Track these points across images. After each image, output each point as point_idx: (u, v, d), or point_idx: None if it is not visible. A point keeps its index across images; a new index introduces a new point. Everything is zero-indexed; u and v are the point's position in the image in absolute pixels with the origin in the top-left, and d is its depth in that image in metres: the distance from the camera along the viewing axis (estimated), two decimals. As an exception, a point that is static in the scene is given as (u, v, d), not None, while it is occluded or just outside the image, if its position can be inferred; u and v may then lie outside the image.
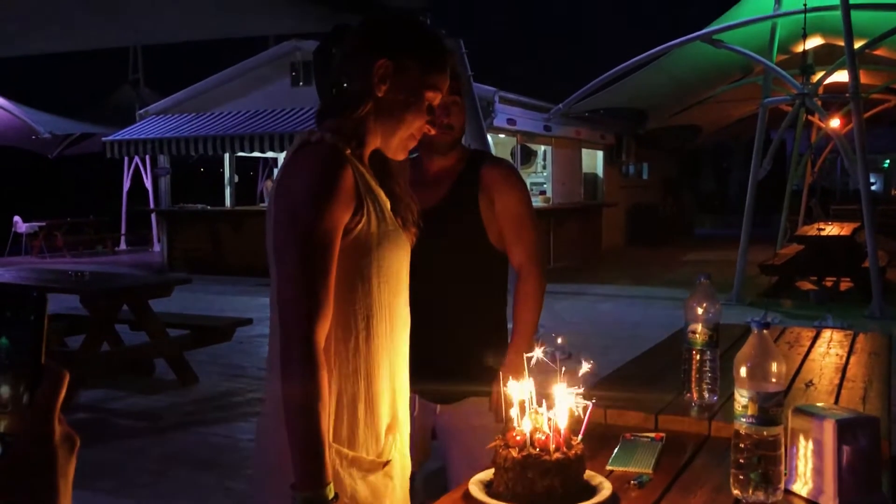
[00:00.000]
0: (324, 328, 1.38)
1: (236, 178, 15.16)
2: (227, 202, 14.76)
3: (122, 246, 18.66)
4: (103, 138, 14.35)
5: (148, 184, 18.10)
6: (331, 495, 1.34)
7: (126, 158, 16.54)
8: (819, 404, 1.60)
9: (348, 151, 1.45)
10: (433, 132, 1.61)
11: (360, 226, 1.45)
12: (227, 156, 14.40)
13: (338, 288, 1.42)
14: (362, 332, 1.48)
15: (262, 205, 16.45)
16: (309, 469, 1.34)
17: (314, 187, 1.40)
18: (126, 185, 18.45)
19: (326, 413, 1.37)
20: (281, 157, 15.74)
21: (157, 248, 17.11)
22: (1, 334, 0.58)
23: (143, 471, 4.25)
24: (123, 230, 18.87)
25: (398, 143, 1.54)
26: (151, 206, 17.51)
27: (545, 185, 15.47)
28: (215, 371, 6.44)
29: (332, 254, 1.40)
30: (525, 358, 1.72)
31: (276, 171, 16.23)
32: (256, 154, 14.30)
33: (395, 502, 1.55)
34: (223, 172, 15.13)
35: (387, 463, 1.52)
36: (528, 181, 14.69)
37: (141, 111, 15.12)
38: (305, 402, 1.34)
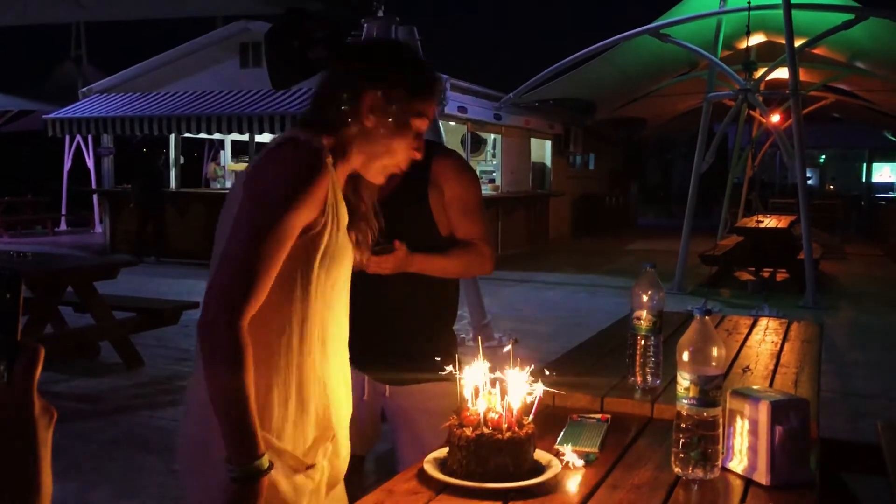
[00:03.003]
0: (247, 319, 1.37)
1: (182, 160, 14.91)
2: (172, 184, 14.52)
3: (62, 227, 18.21)
4: (44, 116, 13.96)
5: (90, 164, 17.67)
6: (265, 465, 1.36)
7: (67, 137, 16.12)
8: (755, 387, 1.69)
9: (329, 160, 1.46)
10: (419, 157, 1.60)
11: (314, 232, 1.45)
12: (172, 137, 14.15)
13: (278, 283, 1.42)
14: (296, 333, 1.48)
15: (207, 188, 16.21)
16: (241, 441, 1.35)
17: (291, 183, 1.40)
18: (67, 164, 17.98)
19: (252, 390, 1.36)
20: (228, 139, 15.52)
21: (98, 229, 16.75)
22: None
23: (88, 453, 4.21)
24: (64, 211, 18.40)
25: (379, 168, 1.55)
26: (93, 186, 17.11)
27: (494, 174, 15.57)
28: (161, 354, 6.37)
29: (282, 251, 1.40)
30: (397, 258, 1.88)
31: (243, 160, 15.98)
32: (203, 136, 14.08)
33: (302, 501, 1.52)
34: (167, 154, 14.86)
35: (311, 466, 1.51)
36: (477, 169, 14.78)
37: (84, 89, 14.74)
38: (231, 382, 1.34)
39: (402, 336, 2.22)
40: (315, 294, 1.49)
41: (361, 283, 2.05)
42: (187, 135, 13.49)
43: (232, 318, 1.34)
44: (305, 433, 1.50)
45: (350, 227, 1.56)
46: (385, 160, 1.54)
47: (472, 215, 2.24)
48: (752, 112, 14.35)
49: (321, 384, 1.53)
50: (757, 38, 12.35)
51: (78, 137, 16.78)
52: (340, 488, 1.68)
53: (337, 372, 1.58)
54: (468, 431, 1.46)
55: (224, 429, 1.35)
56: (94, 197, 17.25)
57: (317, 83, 1.57)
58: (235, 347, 1.34)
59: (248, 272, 1.36)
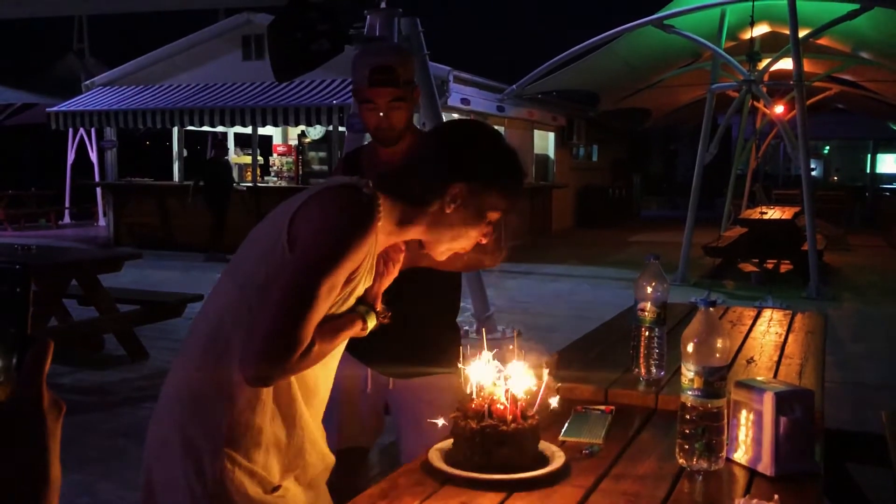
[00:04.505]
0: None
1: (185, 153, 14.91)
2: (176, 177, 14.52)
3: (66, 220, 18.24)
4: (47, 109, 13.97)
5: (93, 157, 17.68)
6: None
7: (71, 130, 16.13)
8: (759, 378, 1.69)
9: (380, 216, 1.43)
10: (485, 242, 1.58)
11: (343, 287, 1.43)
12: (175, 130, 14.15)
13: None
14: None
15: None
16: (349, 319, 1.47)
17: (343, 233, 1.37)
18: (70, 157, 18.00)
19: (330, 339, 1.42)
20: (231, 131, 15.52)
21: (101, 222, 16.77)
22: None
23: (93, 446, 4.23)
24: (67, 204, 18.42)
25: (446, 248, 1.54)
26: (97, 179, 17.12)
27: (497, 166, 15.53)
28: (165, 347, 6.38)
29: (329, 302, 1.38)
30: (412, 253, 1.77)
31: (247, 153, 16.02)
32: (206, 128, 14.07)
33: None
34: (171, 146, 14.86)
35: (277, 487, 1.49)
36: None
37: (87, 82, 14.74)
38: (317, 352, 1.38)
39: (405, 329, 2.22)
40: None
41: None
42: (190, 127, 13.47)
43: (277, 376, 1.38)
44: (274, 463, 1.48)
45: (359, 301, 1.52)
46: (453, 243, 1.53)
47: None
48: (755, 103, 14.27)
49: (297, 401, 1.51)
50: (761, 29, 12.29)
51: (81, 130, 16.79)
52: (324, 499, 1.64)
53: (316, 390, 1.56)
54: (473, 423, 1.46)
55: (336, 336, 1.45)
56: (98, 190, 17.27)
57: (414, 152, 1.55)
58: (292, 374, 1.41)
59: (292, 331, 1.33)
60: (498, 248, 2.27)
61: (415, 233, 1.52)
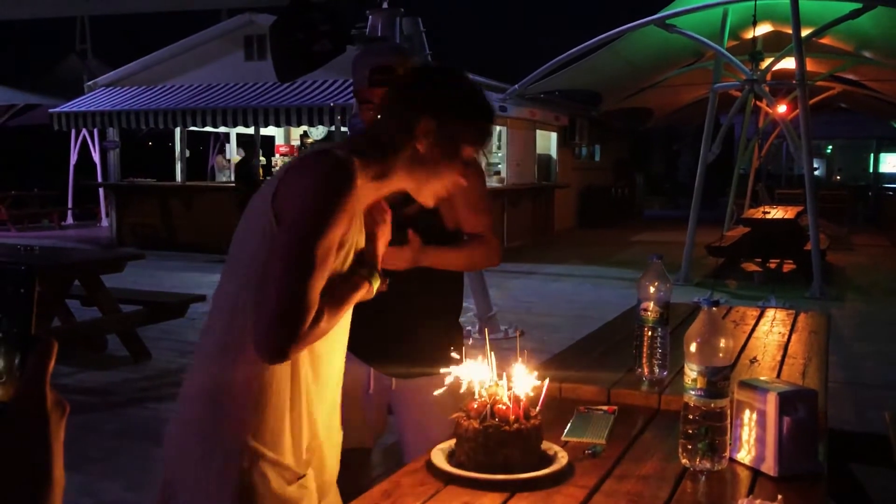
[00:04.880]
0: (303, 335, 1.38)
1: (187, 153, 14.93)
2: (178, 177, 14.54)
3: (69, 220, 18.25)
4: (50, 110, 13.99)
5: (96, 157, 17.70)
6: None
7: (73, 131, 16.15)
8: (762, 378, 1.69)
9: (358, 173, 1.43)
10: (465, 184, 1.59)
11: (338, 251, 1.44)
12: (177, 130, 14.16)
13: None
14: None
15: (213, 181, 16.23)
16: (354, 284, 1.48)
17: (324, 197, 1.38)
18: (73, 158, 18.02)
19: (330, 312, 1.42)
20: (233, 132, 15.53)
21: (104, 222, 16.79)
22: None
23: (96, 446, 4.24)
24: (70, 204, 18.44)
25: (430, 192, 1.55)
26: (100, 179, 17.14)
27: (500, 166, 15.55)
28: (168, 347, 6.39)
29: (326, 268, 1.39)
30: (413, 252, 1.91)
31: (271, 170, 15.99)
32: (208, 129, 14.09)
33: None
34: (173, 147, 14.87)
35: (302, 476, 1.50)
36: (482, 162, 14.72)
37: (89, 83, 14.76)
38: (323, 325, 1.39)
39: (407, 329, 2.22)
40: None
41: None
42: (193, 128, 13.49)
43: (293, 347, 1.36)
44: (301, 440, 1.49)
45: (359, 262, 1.53)
46: (434, 184, 1.54)
47: (479, 208, 2.24)
48: (758, 102, 14.28)
49: (310, 394, 1.51)
50: (763, 28, 12.29)
51: (84, 131, 16.81)
52: (334, 496, 1.65)
53: (326, 383, 1.56)
54: (475, 423, 1.46)
55: (342, 304, 1.46)
56: (101, 190, 17.29)
57: (380, 105, 1.56)
58: (306, 343, 1.39)
59: (297, 299, 1.34)
60: (497, 247, 2.28)
61: (396, 183, 1.53)
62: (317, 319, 1.37)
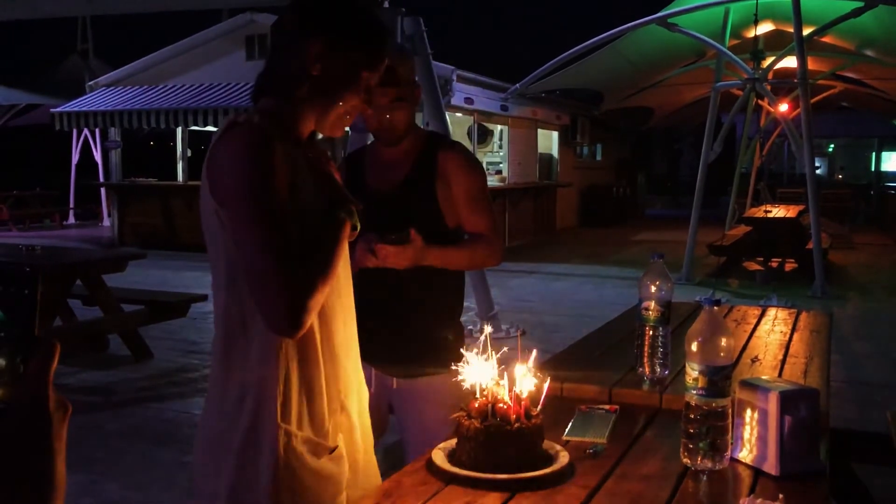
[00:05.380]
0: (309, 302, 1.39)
1: (189, 153, 14.93)
2: (180, 177, 14.54)
3: (71, 220, 18.27)
4: (52, 110, 13.99)
5: (98, 157, 17.72)
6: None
7: (75, 131, 16.15)
8: (764, 377, 1.68)
9: (277, 134, 1.43)
10: (369, 112, 1.60)
11: (296, 206, 1.44)
12: (179, 130, 14.17)
13: None
14: None
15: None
16: (335, 229, 1.48)
17: (249, 168, 1.38)
18: (75, 158, 18.04)
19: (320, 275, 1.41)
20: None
21: (106, 222, 16.81)
22: None
23: (98, 446, 4.24)
24: (72, 204, 18.46)
25: (334, 120, 1.54)
26: (101, 179, 17.15)
27: (501, 165, 15.55)
28: (170, 347, 6.40)
29: (288, 223, 1.39)
30: (415, 251, 1.92)
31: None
32: (210, 128, 14.08)
33: (342, 488, 1.53)
34: (174, 146, 14.87)
35: (334, 449, 1.52)
36: (484, 161, 14.76)
37: (91, 83, 14.76)
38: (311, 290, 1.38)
39: (409, 329, 2.22)
40: None
41: (367, 276, 2.05)
42: (194, 128, 13.50)
43: (305, 311, 1.36)
44: (323, 409, 1.50)
45: (333, 204, 1.53)
46: (338, 110, 1.52)
47: (480, 207, 2.24)
48: (760, 101, 14.27)
49: (325, 357, 1.52)
50: (765, 27, 12.28)
51: (85, 131, 16.81)
52: (372, 463, 1.66)
53: (340, 346, 1.56)
54: (477, 422, 1.46)
55: (325, 258, 1.44)
56: (102, 190, 17.30)
57: (271, 43, 1.55)
58: (317, 302, 1.39)
59: (282, 259, 1.35)
60: (499, 247, 2.28)
61: (310, 122, 1.52)
62: (313, 275, 1.39)
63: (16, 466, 0.60)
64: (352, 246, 1.64)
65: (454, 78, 12.06)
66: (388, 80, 2.11)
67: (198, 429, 1.58)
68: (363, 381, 1.67)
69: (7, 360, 0.61)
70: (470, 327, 6.46)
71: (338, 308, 1.56)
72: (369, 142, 2.44)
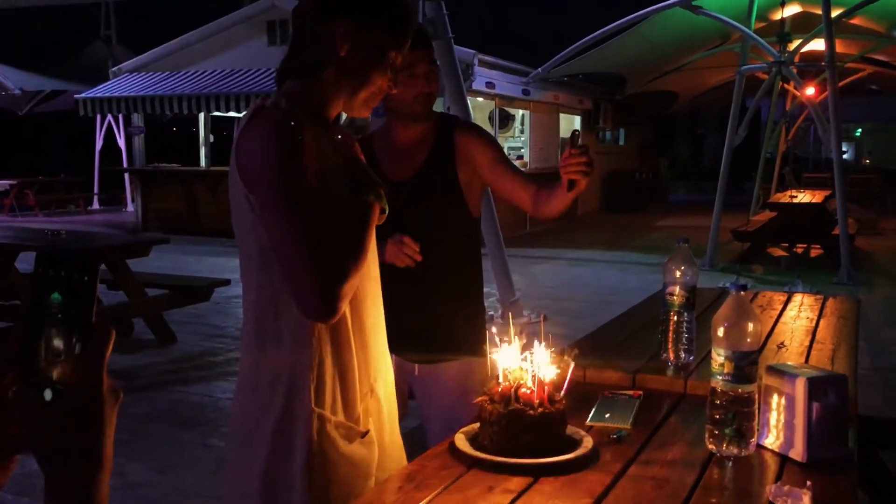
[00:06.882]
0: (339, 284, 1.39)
1: (211, 138, 15.00)
2: (203, 162, 14.61)
3: (95, 205, 18.45)
4: (76, 96, 14.11)
5: (121, 143, 17.85)
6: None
7: (99, 116, 16.28)
8: (790, 363, 1.66)
9: (304, 117, 1.43)
10: (395, 91, 1.60)
11: (325, 189, 1.43)
12: (201, 115, 14.23)
13: None
14: None
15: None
16: (363, 213, 1.47)
17: (278, 151, 1.38)
18: (98, 143, 18.18)
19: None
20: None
21: (130, 208, 16.95)
22: (54, 291, 0.63)
23: (122, 429, 4.25)
24: (96, 189, 18.63)
25: (362, 101, 1.53)
26: (125, 165, 17.28)
27: (523, 150, 15.48)
28: (193, 331, 6.45)
29: (323, 205, 1.39)
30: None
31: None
32: (232, 114, 14.13)
33: (372, 471, 1.54)
34: (197, 132, 14.94)
35: (365, 433, 1.53)
36: (505, 146, 14.69)
37: (114, 69, 14.85)
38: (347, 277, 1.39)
39: (431, 315, 2.22)
40: None
41: (394, 268, 2.04)
42: (216, 113, 13.55)
43: (339, 296, 1.36)
44: (355, 393, 1.51)
45: (356, 184, 1.52)
46: (365, 92, 1.52)
47: (513, 167, 2.26)
48: (785, 85, 14.09)
49: (355, 341, 1.52)
50: (792, 9, 12.09)
51: (109, 117, 16.94)
52: (397, 444, 1.67)
53: (368, 328, 1.56)
54: (500, 407, 1.45)
55: (355, 245, 1.44)
56: (126, 176, 17.43)
57: (296, 26, 1.54)
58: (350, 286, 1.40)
59: (315, 245, 1.35)
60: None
61: (337, 104, 1.52)
62: (346, 261, 1.39)
63: (68, 444, 0.63)
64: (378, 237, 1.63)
65: (476, 62, 11.99)
66: (421, 42, 2.09)
67: (230, 417, 1.58)
68: (390, 363, 1.67)
69: (63, 341, 0.63)
70: (491, 313, 6.45)
71: (368, 291, 1.56)
72: (375, 128, 2.40)
